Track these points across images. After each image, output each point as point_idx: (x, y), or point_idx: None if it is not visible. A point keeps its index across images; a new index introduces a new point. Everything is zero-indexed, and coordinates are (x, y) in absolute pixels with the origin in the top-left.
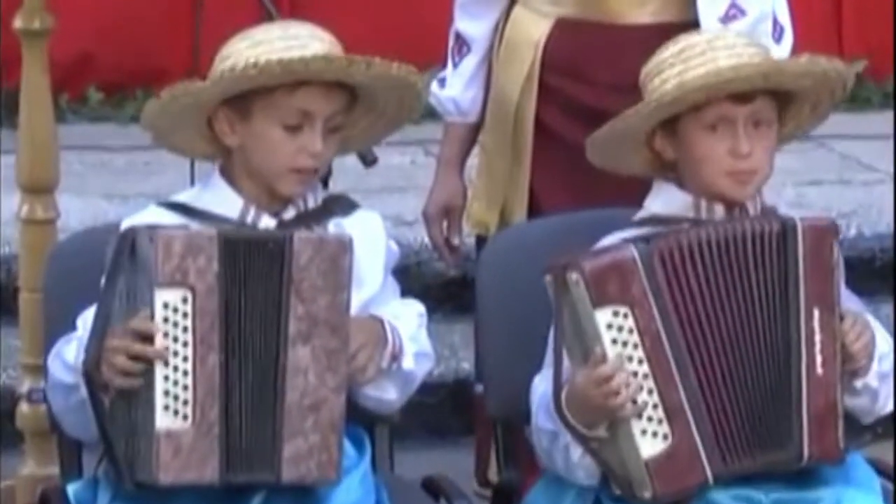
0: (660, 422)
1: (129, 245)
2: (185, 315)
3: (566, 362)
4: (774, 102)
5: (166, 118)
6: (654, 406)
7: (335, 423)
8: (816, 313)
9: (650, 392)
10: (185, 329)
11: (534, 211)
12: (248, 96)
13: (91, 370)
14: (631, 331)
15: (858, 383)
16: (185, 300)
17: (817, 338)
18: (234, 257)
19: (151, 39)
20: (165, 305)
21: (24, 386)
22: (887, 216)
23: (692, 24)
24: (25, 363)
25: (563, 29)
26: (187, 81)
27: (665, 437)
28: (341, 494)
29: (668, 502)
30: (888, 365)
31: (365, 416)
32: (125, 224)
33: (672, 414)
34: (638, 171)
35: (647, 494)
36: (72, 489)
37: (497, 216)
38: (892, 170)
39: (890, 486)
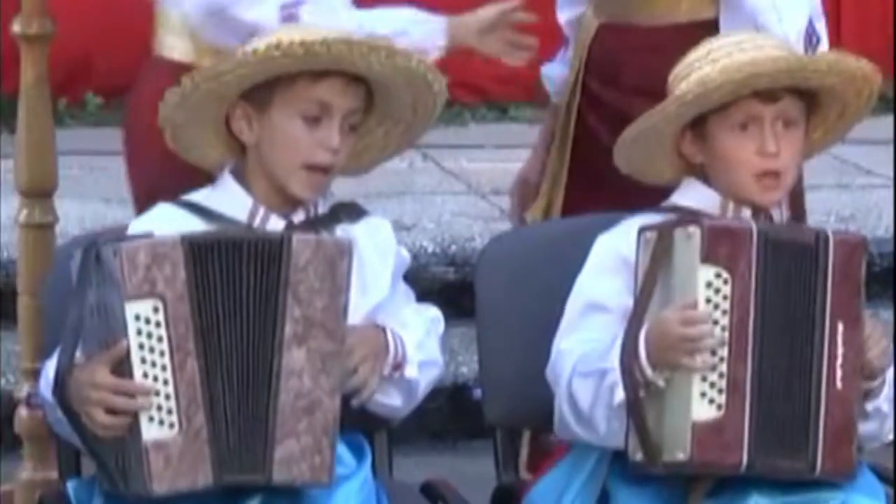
0: (720, 391)
1: (94, 259)
2: (158, 325)
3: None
4: (801, 103)
5: (185, 110)
6: (721, 375)
7: (329, 426)
8: (840, 327)
9: (721, 360)
10: (160, 339)
11: (569, 211)
12: (268, 87)
13: (62, 390)
14: (726, 297)
15: (869, 406)
16: (156, 310)
17: (839, 351)
18: (203, 261)
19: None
20: (137, 317)
21: (23, 390)
22: (886, 220)
23: (713, 24)
24: (24, 368)
25: (602, 33)
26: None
27: (720, 407)
28: (340, 500)
29: (694, 472)
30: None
31: (364, 422)
32: (133, 225)
33: (734, 388)
34: (666, 178)
35: (682, 456)
36: (71, 486)
37: (542, 211)
38: (891, 174)
39: (890, 490)
